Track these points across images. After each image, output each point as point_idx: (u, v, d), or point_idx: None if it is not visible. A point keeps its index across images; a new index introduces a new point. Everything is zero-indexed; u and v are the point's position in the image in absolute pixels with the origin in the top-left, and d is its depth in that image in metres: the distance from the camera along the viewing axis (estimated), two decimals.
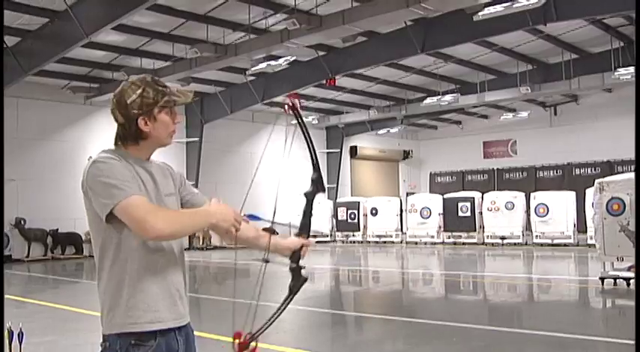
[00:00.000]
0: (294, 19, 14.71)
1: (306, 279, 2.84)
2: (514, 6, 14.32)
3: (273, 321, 2.72)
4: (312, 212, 2.93)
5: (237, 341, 2.54)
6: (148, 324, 2.52)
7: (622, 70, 20.33)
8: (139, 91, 2.59)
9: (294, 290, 2.81)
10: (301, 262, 2.84)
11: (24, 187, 20.29)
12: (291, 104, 2.80)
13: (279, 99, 23.95)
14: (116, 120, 2.64)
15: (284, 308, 2.77)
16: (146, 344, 2.52)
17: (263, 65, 19.04)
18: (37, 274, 17.82)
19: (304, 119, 2.87)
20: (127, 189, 2.44)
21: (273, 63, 18.84)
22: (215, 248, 25.64)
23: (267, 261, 2.81)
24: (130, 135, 2.62)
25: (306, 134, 2.86)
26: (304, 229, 2.92)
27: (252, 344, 2.55)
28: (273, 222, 2.95)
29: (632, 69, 20.13)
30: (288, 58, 18.90)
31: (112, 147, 2.65)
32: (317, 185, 2.91)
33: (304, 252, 2.88)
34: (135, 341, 2.51)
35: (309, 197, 2.91)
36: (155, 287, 2.56)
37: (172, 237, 2.51)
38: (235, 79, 23.82)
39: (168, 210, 2.58)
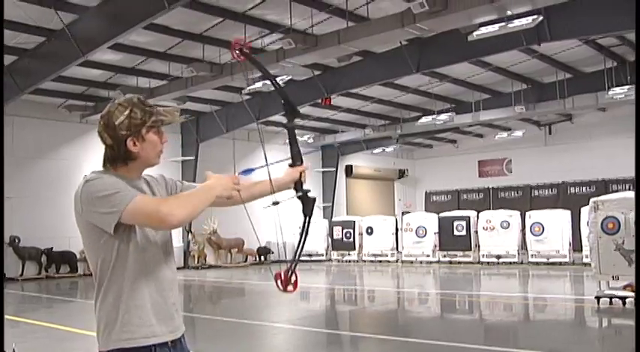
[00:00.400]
0: (290, 38, 14.79)
1: (314, 200, 3.03)
2: (508, 26, 14.43)
3: (301, 250, 2.94)
4: (297, 140, 3.11)
5: (279, 280, 2.75)
6: (144, 339, 2.54)
7: (617, 90, 20.45)
8: (127, 112, 2.61)
9: (308, 213, 3.00)
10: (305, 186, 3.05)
11: (19, 205, 20.22)
12: (238, 49, 2.95)
13: (274, 118, 24.07)
14: (104, 143, 2.65)
15: (306, 235, 2.97)
16: None
17: (259, 84, 19.08)
18: (31, 293, 17.71)
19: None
20: (129, 193, 2.46)
21: (268, 82, 18.87)
22: (210, 267, 25.56)
23: (277, 203, 2.95)
24: (119, 157, 2.63)
25: (262, 69, 3.12)
26: (296, 158, 3.07)
27: (293, 278, 2.78)
28: (267, 164, 3.02)
29: (626, 88, 20.24)
30: (284, 77, 18.97)
31: (102, 169, 2.67)
32: (290, 110, 3.11)
33: (304, 176, 3.04)
34: None
35: (289, 126, 3.12)
36: (151, 302, 2.58)
37: (190, 219, 2.50)
38: (231, 98, 23.89)
39: (175, 197, 2.62)
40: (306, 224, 2.98)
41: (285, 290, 2.74)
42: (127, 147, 2.61)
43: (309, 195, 3.03)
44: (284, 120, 3.18)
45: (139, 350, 2.53)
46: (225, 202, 2.84)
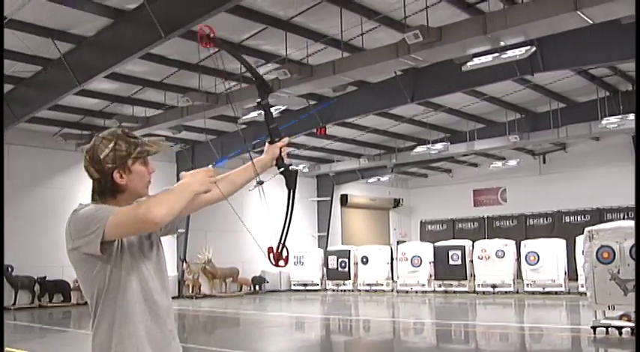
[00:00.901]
0: (286, 68, 14.90)
1: (297, 171, 3.07)
2: (502, 57, 14.56)
3: (289, 224, 2.98)
4: (273, 118, 3.15)
5: (271, 254, 2.82)
6: None
7: (610, 119, 20.59)
8: (111, 145, 2.61)
9: (292, 186, 3.04)
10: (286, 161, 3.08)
11: (13, 234, 20.08)
12: (205, 35, 2.97)
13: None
14: (91, 177, 2.65)
15: (292, 208, 3.00)
16: None
17: (254, 114, 19.17)
18: (23, 323, 17.55)
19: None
20: (109, 208, 2.47)
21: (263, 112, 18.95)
22: (205, 296, 25.41)
23: (261, 183, 2.98)
24: (106, 190, 2.63)
25: (231, 51, 3.20)
26: (274, 134, 3.08)
27: (284, 253, 2.86)
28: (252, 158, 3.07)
29: (619, 117, 20.38)
30: (280, 107, 19.06)
31: (90, 202, 2.66)
32: (263, 88, 3.17)
33: (284, 151, 3.06)
34: None
35: (263, 103, 3.15)
36: (145, 330, 2.56)
37: (170, 216, 2.43)
38: (226, 127, 23.96)
39: (151, 197, 2.57)
40: (291, 197, 3.01)
41: (276, 264, 2.82)
42: (113, 180, 2.60)
43: (292, 168, 3.06)
44: (258, 99, 3.20)
45: None
46: (208, 199, 2.82)
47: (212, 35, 2.96)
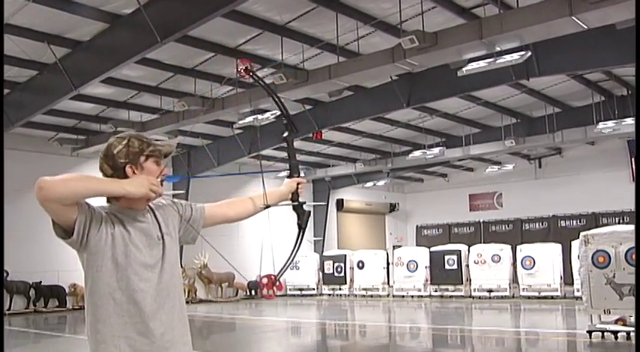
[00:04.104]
0: (282, 73, 14.91)
1: (310, 213, 3.18)
2: (497, 62, 14.60)
3: (293, 259, 3.12)
4: (295, 153, 3.32)
5: (265, 279, 2.87)
6: None
7: (605, 124, 20.64)
8: (125, 142, 2.69)
9: (302, 225, 3.15)
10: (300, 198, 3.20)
11: (8, 239, 19.94)
12: (243, 68, 3.10)
13: (265, 152, 24.15)
14: (105, 174, 2.68)
15: (299, 246, 3.16)
16: None
17: (250, 119, 19.16)
18: (18, 328, 17.48)
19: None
20: None
21: (260, 116, 18.98)
22: (201, 301, 25.36)
23: (268, 206, 3.10)
24: None
25: (268, 90, 3.28)
26: (294, 169, 3.24)
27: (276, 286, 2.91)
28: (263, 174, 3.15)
29: (614, 122, 20.43)
30: (275, 111, 19.05)
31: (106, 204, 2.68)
32: (290, 127, 3.30)
33: (301, 188, 3.19)
34: None
35: (289, 139, 3.32)
36: (127, 333, 2.53)
37: (68, 195, 2.41)
38: (222, 132, 23.96)
39: (72, 174, 2.54)
40: (300, 236, 3.12)
41: (267, 295, 2.85)
42: (126, 175, 2.64)
43: (305, 207, 3.16)
44: (285, 133, 3.33)
45: None
46: (240, 214, 3.11)
47: (249, 68, 3.20)
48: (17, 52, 14.81)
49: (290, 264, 3.07)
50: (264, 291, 2.82)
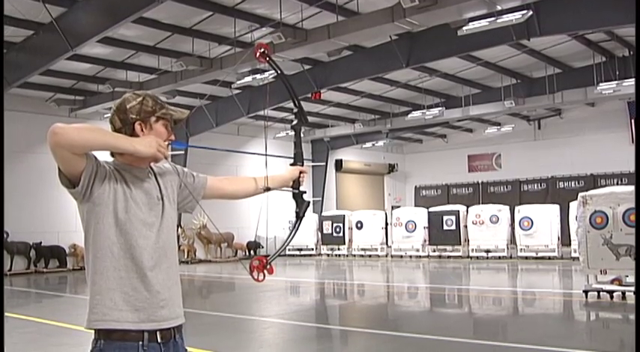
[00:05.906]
0: (280, 32, 14.77)
1: (308, 203, 3.20)
2: (498, 21, 14.46)
3: (287, 245, 3.17)
4: (301, 142, 3.33)
5: (256, 262, 2.82)
6: (115, 322, 2.53)
7: (605, 85, 20.54)
8: (140, 99, 2.71)
9: (300, 214, 3.16)
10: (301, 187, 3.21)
11: (8, 200, 19.96)
12: (261, 51, 3.17)
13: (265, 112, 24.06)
14: (113, 127, 2.70)
15: (295, 233, 3.19)
16: (115, 342, 2.53)
17: (248, 79, 19.04)
18: (19, 288, 17.64)
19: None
20: None
21: (258, 76, 18.85)
22: (200, 261, 25.55)
23: (269, 189, 3.12)
24: None
25: (283, 78, 3.36)
26: (298, 158, 3.26)
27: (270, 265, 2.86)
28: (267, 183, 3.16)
29: (614, 83, 20.34)
30: (273, 72, 18.92)
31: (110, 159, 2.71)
32: (300, 117, 3.33)
33: (302, 178, 3.21)
34: (104, 339, 2.53)
35: (297, 128, 3.33)
36: (123, 287, 2.55)
37: (79, 144, 2.41)
38: (221, 92, 23.83)
39: (85, 124, 2.56)
40: (297, 224, 3.13)
41: (256, 278, 2.80)
42: (134, 131, 2.66)
43: (304, 197, 3.17)
44: (294, 122, 3.36)
45: (111, 333, 2.52)
46: (247, 191, 3.12)
47: (266, 53, 3.22)
48: (12, 11, 14.62)
49: (283, 248, 3.10)
50: (254, 274, 2.80)
